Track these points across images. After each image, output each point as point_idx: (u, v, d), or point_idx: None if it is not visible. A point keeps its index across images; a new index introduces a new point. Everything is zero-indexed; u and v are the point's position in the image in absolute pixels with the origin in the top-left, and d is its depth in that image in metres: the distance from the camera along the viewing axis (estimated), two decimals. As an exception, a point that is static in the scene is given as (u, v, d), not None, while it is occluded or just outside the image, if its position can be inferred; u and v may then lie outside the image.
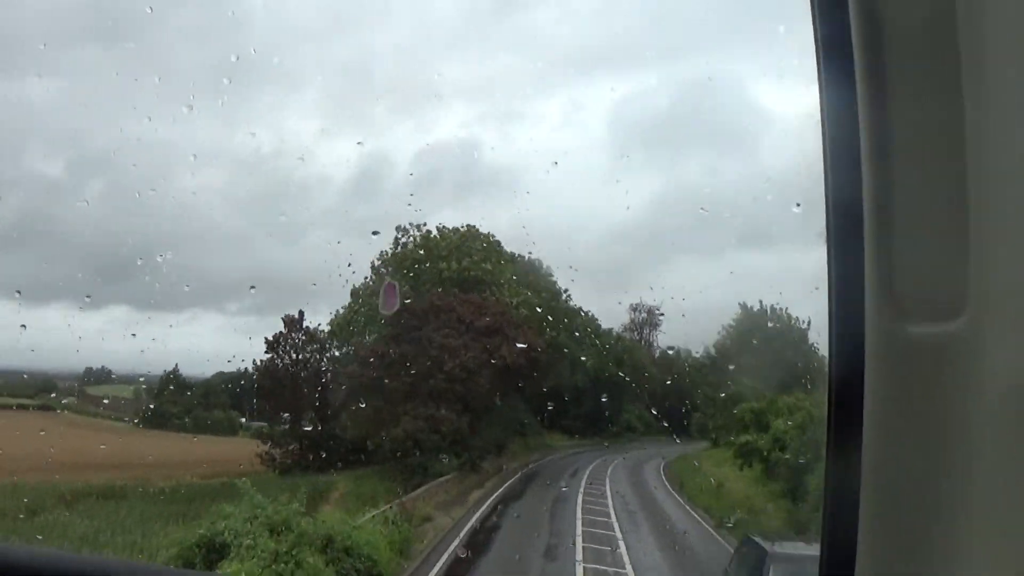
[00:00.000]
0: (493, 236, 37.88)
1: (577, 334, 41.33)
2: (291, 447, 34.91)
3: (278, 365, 36.19)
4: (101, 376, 41.69)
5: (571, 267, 40.73)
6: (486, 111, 50.71)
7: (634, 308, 47.74)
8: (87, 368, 40.46)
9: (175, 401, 39.45)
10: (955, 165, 1.49)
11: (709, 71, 47.08)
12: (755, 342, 37.19)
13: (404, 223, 37.09)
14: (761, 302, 40.15)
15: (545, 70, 49.54)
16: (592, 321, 44.32)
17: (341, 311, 37.40)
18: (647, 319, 49.76)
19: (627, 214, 43.13)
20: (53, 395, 37.54)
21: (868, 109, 1.65)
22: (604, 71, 50.37)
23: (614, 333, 47.00)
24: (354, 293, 36.64)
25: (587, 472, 36.11)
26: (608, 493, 31.09)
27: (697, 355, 42.20)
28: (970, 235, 1.46)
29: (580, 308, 42.61)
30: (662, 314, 45.54)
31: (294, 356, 36.30)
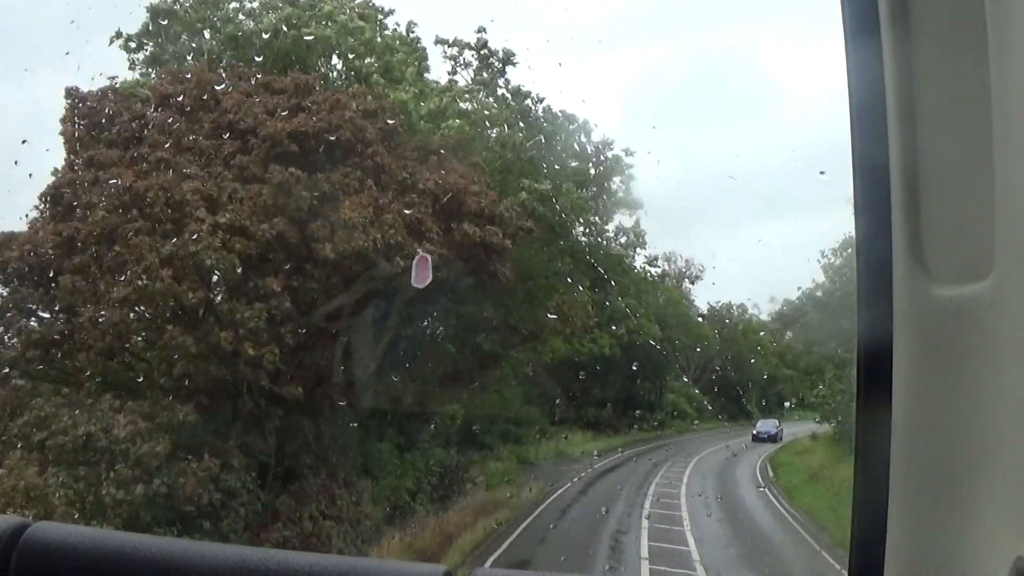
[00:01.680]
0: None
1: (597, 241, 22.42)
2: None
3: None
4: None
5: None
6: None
7: (667, 258, 39.25)
8: None
9: None
10: (981, 128, 1.53)
11: (728, 41, 42.18)
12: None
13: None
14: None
15: (560, 49, 46.53)
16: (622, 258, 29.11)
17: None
18: (685, 271, 40.98)
19: (654, 187, 38.73)
20: None
21: (894, 74, 1.68)
22: (620, 46, 46.25)
23: (650, 278, 33.14)
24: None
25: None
26: None
27: (757, 312, 37.10)
28: (996, 197, 1.49)
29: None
30: (703, 268, 38.57)
31: None
